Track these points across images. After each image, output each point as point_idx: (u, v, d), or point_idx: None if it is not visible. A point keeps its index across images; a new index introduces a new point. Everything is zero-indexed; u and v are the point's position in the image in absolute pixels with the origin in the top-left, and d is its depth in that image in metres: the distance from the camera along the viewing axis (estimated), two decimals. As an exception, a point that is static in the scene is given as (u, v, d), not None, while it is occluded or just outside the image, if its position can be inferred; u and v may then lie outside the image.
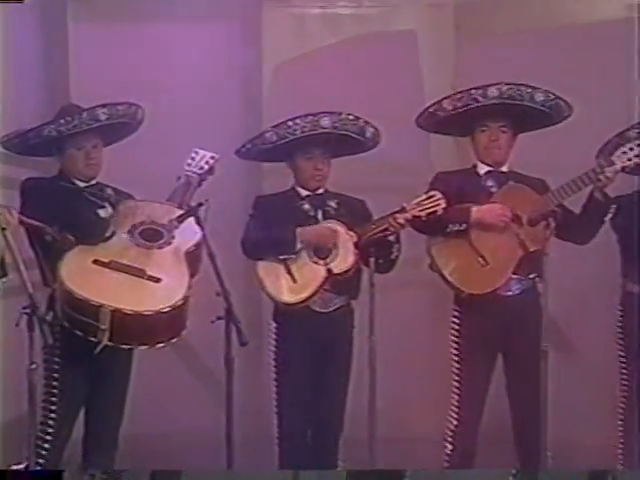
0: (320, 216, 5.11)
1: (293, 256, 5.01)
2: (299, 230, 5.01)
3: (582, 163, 5.19)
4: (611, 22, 6.53)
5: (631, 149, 5.09)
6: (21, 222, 4.46)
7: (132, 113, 4.95)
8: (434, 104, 5.22)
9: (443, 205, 5.02)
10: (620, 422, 5.41)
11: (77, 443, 4.86)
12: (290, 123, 5.01)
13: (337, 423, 5.13)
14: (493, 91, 5.09)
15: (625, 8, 6.55)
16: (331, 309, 5.07)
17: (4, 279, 4.54)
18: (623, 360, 5.39)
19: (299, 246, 5.01)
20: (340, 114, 5.05)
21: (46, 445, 4.74)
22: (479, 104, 5.08)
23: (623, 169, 5.10)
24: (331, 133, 5.04)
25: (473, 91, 5.09)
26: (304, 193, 5.14)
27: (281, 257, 5.01)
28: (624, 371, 5.37)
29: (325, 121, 5.02)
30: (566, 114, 5.21)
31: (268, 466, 5.15)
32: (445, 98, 5.18)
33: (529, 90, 5.11)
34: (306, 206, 5.11)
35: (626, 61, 6.45)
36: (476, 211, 5.09)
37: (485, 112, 5.11)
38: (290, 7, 6.64)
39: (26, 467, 4.43)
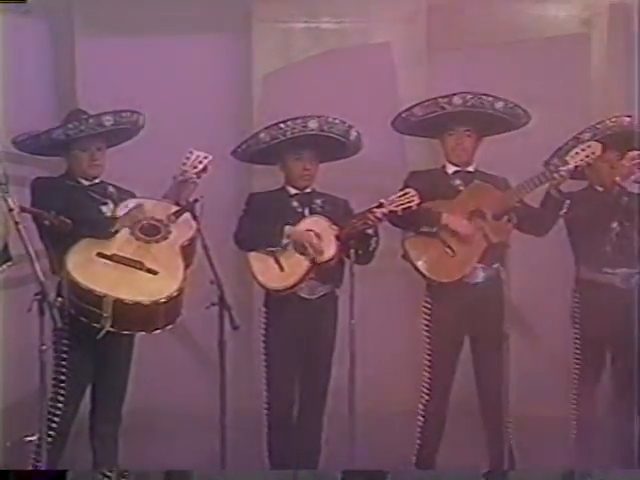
0: (307, 213, 5.10)
1: (281, 248, 5.01)
2: (287, 229, 5.00)
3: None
4: (568, 36, 6.60)
5: (583, 150, 5.13)
6: (23, 210, 4.42)
7: (134, 120, 4.94)
8: (406, 110, 5.25)
9: (417, 201, 5.03)
10: (574, 397, 5.47)
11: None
12: (282, 125, 5.01)
13: (321, 399, 5.12)
14: (458, 100, 5.11)
15: (580, 24, 6.62)
16: (317, 296, 5.06)
17: (9, 263, 4.50)
18: (577, 340, 5.44)
19: (286, 241, 5.00)
20: (327, 117, 5.05)
21: (56, 419, 4.73)
22: (445, 111, 5.12)
23: (576, 168, 5.13)
24: (318, 135, 5.04)
25: (440, 100, 5.13)
26: (293, 191, 5.13)
27: (271, 249, 4.99)
28: (578, 350, 5.43)
29: (313, 123, 5.02)
30: (524, 121, 5.25)
31: (257, 436, 5.16)
32: (415, 105, 5.21)
33: (490, 99, 5.14)
34: (294, 203, 5.10)
35: (582, 71, 6.52)
36: (446, 217, 5.12)
37: (451, 118, 5.14)
38: (277, 22, 6.61)
39: (38, 439, 4.42)
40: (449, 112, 5.11)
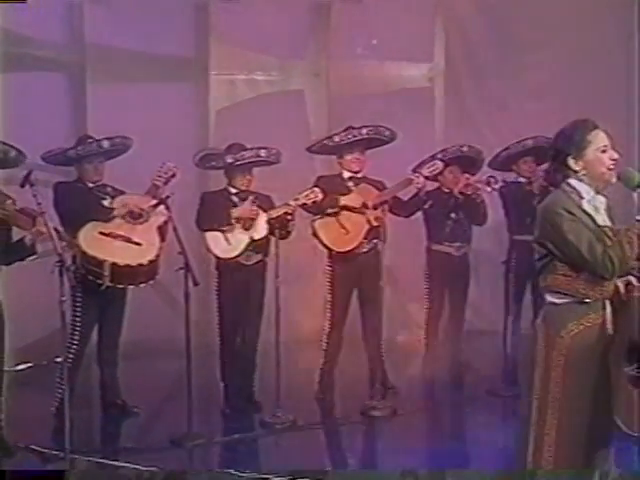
0: (243, 205, 5.07)
1: (229, 228, 4.97)
2: (232, 210, 4.97)
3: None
4: (419, 89, 6.74)
5: (432, 165, 5.25)
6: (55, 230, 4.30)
7: (125, 142, 4.96)
8: (327, 138, 5.28)
9: (320, 196, 5.04)
10: (425, 325, 5.64)
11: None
12: (243, 152, 4.96)
13: (256, 332, 5.09)
14: (364, 130, 5.14)
15: (426, 80, 6.76)
16: (251, 262, 5.00)
17: (34, 256, 4.38)
18: (426, 288, 5.59)
19: (233, 222, 4.97)
20: (272, 149, 5.02)
21: (74, 347, 4.73)
22: (356, 138, 5.13)
23: (427, 177, 5.25)
24: (265, 160, 5.03)
25: (354, 130, 5.14)
26: (233, 191, 5.07)
27: (221, 229, 4.96)
28: (427, 293, 5.60)
29: (263, 152, 5.00)
30: (392, 140, 5.30)
31: (213, 358, 5.10)
32: (335, 134, 5.22)
33: (382, 129, 5.20)
34: (234, 198, 5.06)
35: (428, 113, 6.64)
36: (343, 200, 5.16)
37: (357, 142, 5.16)
38: (225, 74, 6.58)
39: (62, 360, 4.33)
40: (359, 138, 5.13)
